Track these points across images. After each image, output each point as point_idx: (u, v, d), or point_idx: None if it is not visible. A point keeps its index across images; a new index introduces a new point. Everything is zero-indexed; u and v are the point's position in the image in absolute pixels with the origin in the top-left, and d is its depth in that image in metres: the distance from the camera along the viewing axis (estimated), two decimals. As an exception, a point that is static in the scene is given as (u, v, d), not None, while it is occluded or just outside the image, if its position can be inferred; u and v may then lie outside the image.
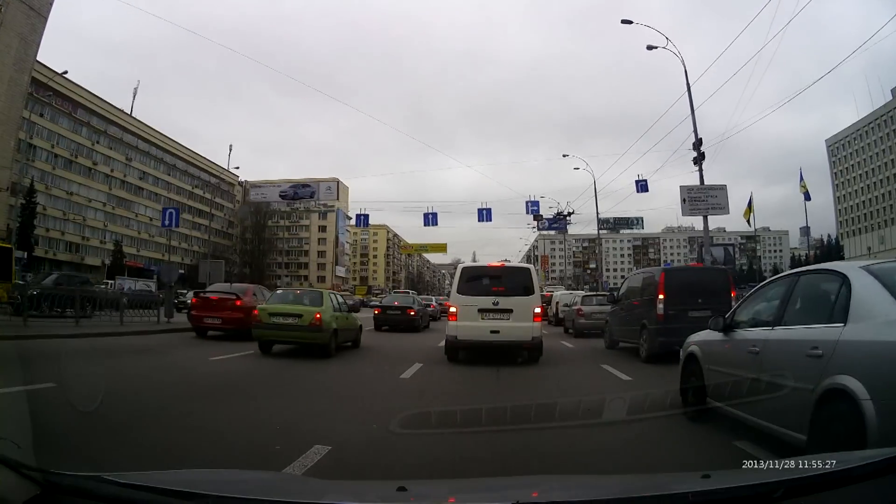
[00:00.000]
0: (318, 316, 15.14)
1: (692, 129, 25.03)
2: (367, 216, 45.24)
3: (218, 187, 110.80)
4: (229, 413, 7.82)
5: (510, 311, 13.63)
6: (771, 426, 5.75)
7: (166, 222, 28.93)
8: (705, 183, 25.86)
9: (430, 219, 42.35)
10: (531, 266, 15.74)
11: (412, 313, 27.74)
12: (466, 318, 13.76)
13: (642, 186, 35.22)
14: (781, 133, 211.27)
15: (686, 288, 14.94)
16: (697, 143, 25.52)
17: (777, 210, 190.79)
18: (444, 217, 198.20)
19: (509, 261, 20.37)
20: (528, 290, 14.00)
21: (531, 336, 13.68)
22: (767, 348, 6.06)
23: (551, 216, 49.53)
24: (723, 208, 26.39)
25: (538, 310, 14.15)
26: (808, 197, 42.68)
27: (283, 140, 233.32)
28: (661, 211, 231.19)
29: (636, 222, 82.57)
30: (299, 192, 38.42)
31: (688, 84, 25.37)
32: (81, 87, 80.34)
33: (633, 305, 16.91)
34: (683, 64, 25.55)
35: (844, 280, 5.26)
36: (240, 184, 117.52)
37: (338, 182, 38.06)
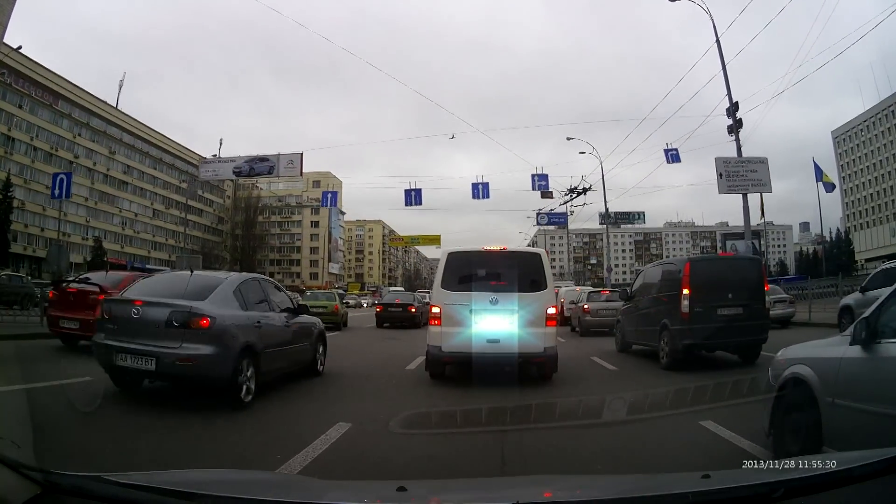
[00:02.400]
0: (337, 307, 26.94)
1: (725, 93, 22.55)
2: (335, 193, 42.09)
3: (207, 182, 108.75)
4: None
5: (514, 312, 10.29)
6: None
7: (56, 192, 25.12)
8: (736, 159, 23.13)
9: (413, 197, 37.51)
10: (542, 251, 11.60)
11: (413, 310, 28.69)
12: (454, 322, 10.39)
13: (673, 156, 31.25)
14: (786, 127, 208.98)
15: (715, 281, 13.14)
16: (733, 108, 22.93)
17: (779, 205, 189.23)
18: (441, 212, 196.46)
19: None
20: (538, 284, 10.63)
21: (543, 346, 10.36)
22: None
23: (564, 192, 44.90)
24: (765, 185, 23.70)
25: (552, 310, 10.66)
26: (829, 188, 40.09)
27: (280, 135, 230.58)
28: (663, 206, 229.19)
29: (638, 217, 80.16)
30: (256, 167, 35.13)
31: (717, 39, 22.80)
32: (62, 77, 78.26)
33: (651, 302, 14.96)
34: (711, 18, 22.96)
35: None
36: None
37: (301, 154, 34.60)
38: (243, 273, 10.51)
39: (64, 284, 14.65)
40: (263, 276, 10.50)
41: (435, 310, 10.68)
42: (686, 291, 12.93)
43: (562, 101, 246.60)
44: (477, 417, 7.15)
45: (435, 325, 10.63)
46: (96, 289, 13.36)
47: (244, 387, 8.15)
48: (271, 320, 9.46)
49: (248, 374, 8.29)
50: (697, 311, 12.70)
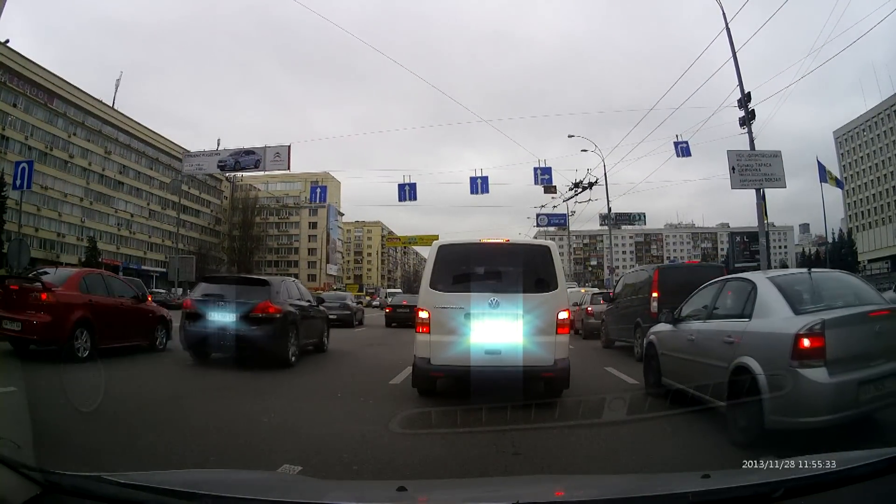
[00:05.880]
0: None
1: (737, 83, 21.99)
2: (324, 189, 40.66)
3: (204, 182, 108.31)
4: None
5: (518, 317, 8.72)
6: (704, 396, 7.08)
7: (18, 183, 24.33)
8: (747, 151, 22.60)
9: (408, 192, 35.40)
10: (551, 243, 9.84)
11: None
12: (445, 329, 8.84)
13: (684, 150, 30.06)
14: (788, 128, 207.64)
15: (680, 286, 13.99)
16: (744, 98, 22.40)
17: (780, 207, 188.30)
18: (444, 214, 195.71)
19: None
20: (546, 283, 9.04)
21: (553, 358, 8.75)
22: (699, 337, 7.85)
23: (568, 188, 42.52)
24: (779, 180, 23.07)
25: (564, 314, 8.98)
26: (840, 185, 39.11)
27: (286, 132, 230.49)
28: (663, 208, 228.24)
29: (638, 217, 79.40)
30: (241, 160, 34.19)
31: (726, 25, 22.05)
32: (57, 76, 77.98)
33: (628, 304, 17.16)
34: (720, 3, 22.17)
35: (754, 286, 7.01)
36: (227, 179, 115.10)
37: (288, 147, 33.61)
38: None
39: (7, 281, 13.06)
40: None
41: (423, 314, 9.01)
42: (655, 294, 15.05)
43: (576, 98, 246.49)
44: (477, 417, 7.01)
45: (423, 332, 8.99)
46: (39, 286, 12.35)
47: None
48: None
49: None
50: (665, 312, 13.90)
